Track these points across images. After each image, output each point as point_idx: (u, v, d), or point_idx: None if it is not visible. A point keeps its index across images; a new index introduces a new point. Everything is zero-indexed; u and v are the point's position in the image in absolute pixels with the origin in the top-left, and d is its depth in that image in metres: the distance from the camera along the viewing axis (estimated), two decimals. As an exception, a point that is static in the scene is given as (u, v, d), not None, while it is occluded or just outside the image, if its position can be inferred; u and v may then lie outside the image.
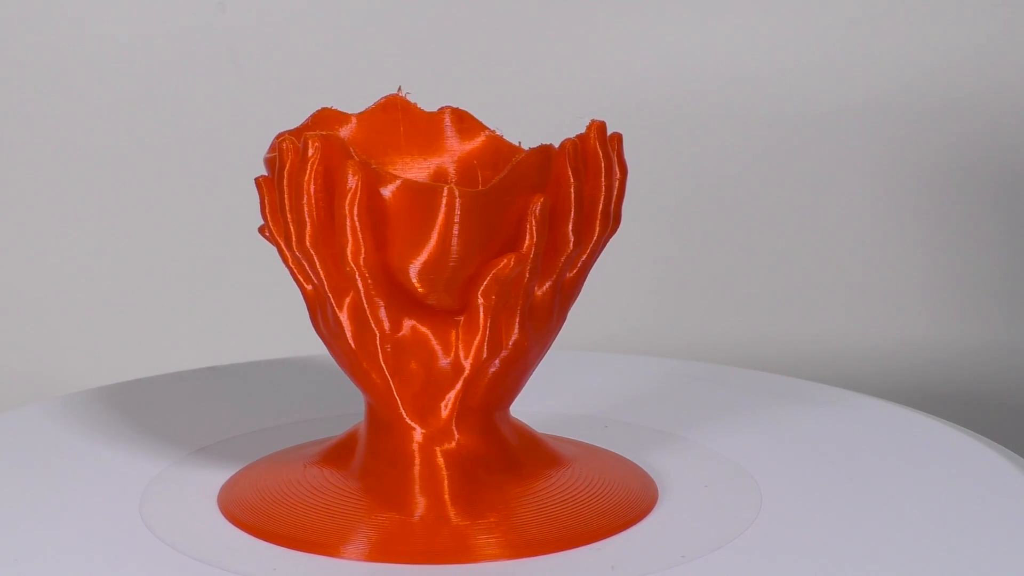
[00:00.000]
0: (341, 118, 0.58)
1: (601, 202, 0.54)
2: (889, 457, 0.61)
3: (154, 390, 0.71)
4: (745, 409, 0.67)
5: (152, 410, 0.67)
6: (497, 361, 0.54)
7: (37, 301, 1.10)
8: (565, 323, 0.56)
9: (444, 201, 0.51)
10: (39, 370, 1.08)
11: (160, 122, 1.10)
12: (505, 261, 0.52)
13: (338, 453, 0.57)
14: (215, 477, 0.58)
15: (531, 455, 0.56)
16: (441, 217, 0.51)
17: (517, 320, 0.53)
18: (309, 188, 0.53)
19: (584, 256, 0.55)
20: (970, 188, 1.11)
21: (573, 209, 0.53)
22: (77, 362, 1.08)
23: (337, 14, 1.11)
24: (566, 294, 0.55)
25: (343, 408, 0.67)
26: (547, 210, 0.52)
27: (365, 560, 0.51)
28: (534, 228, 0.52)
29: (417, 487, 0.53)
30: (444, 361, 0.53)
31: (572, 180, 0.53)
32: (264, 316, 1.09)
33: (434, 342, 0.54)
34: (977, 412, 1.05)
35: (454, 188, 0.51)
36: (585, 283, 0.56)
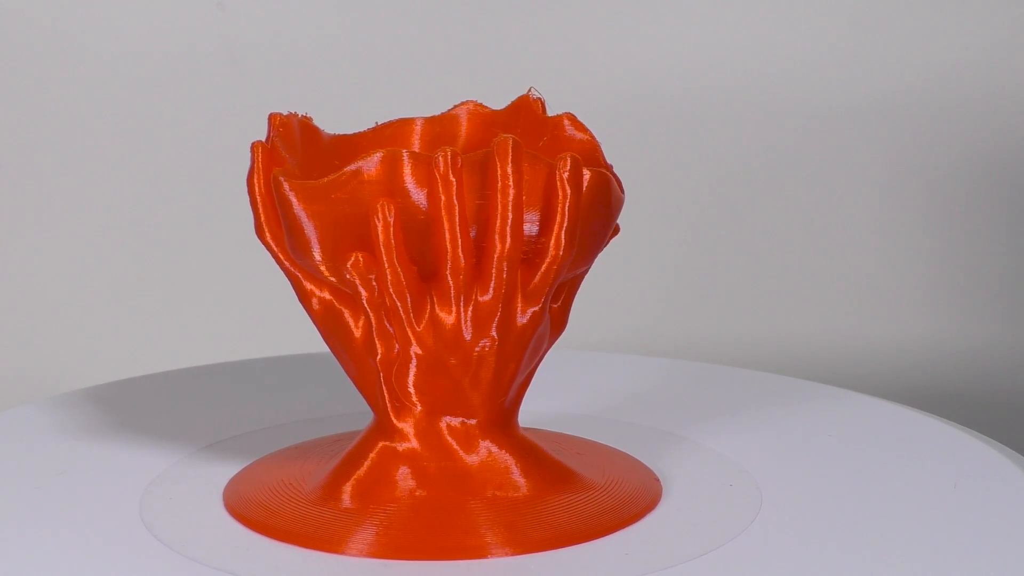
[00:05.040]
0: (481, 112, 0.58)
1: (500, 221, 0.52)
2: (889, 457, 0.61)
3: (153, 389, 0.71)
4: (745, 409, 0.67)
5: (151, 409, 0.67)
6: (412, 364, 0.54)
7: (36, 301, 1.10)
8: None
9: (284, 192, 0.52)
10: (38, 370, 1.08)
11: (159, 122, 1.10)
12: (354, 258, 0.52)
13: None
14: (217, 476, 0.58)
15: (517, 470, 0.55)
16: (290, 207, 0.52)
17: (409, 321, 0.53)
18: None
19: (496, 274, 0.53)
20: (972, 189, 1.11)
21: (445, 224, 0.52)
22: (76, 361, 1.08)
23: (337, 12, 1.11)
24: (481, 310, 0.53)
25: (347, 407, 0.67)
26: (385, 213, 0.51)
27: (365, 557, 0.51)
28: (378, 230, 0.52)
29: (350, 479, 0.54)
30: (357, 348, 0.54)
31: (439, 193, 0.52)
32: (267, 314, 1.09)
33: (350, 321, 0.54)
34: (977, 412, 1.05)
35: (281, 179, 0.52)
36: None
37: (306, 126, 0.57)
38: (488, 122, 0.59)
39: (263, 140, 0.55)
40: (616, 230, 0.56)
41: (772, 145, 1.11)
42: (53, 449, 0.62)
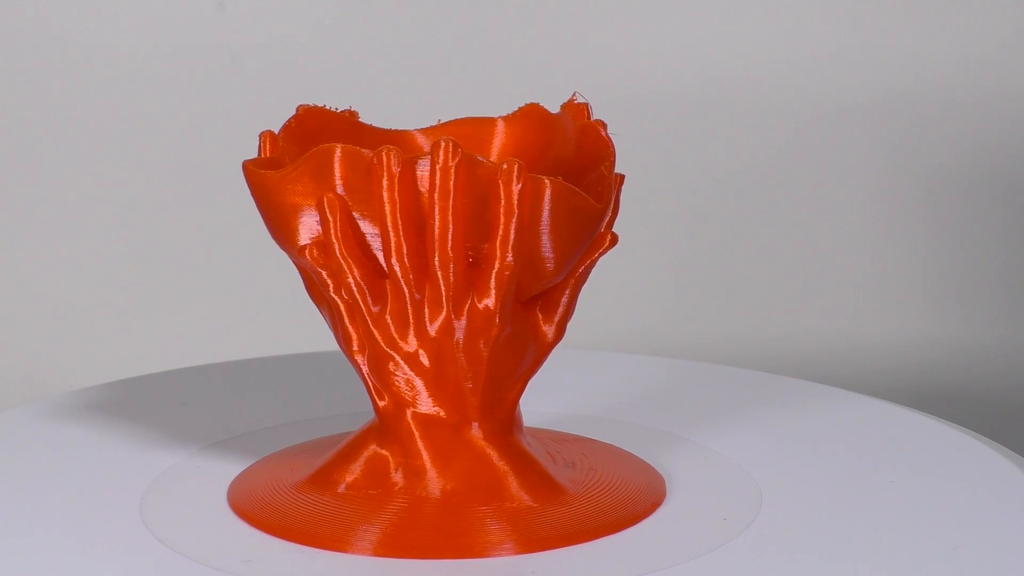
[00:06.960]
0: (541, 114, 0.58)
1: (440, 225, 0.52)
2: (889, 457, 0.61)
3: (153, 389, 0.71)
4: (745, 409, 0.67)
5: (151, 409, 0.67)
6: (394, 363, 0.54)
7: (36, 301, 1.10)
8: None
9: (253, 180, 0.53)
10: (38, 370, 1.08)
11: (159, 121, 1.10)
12: (308, 250, 0.53)
13: None
14: (217, 476, 0.58)
15: (505, 479, 0.55)
16: (259, 195, 0.53)
17: (370, 313, 0.53)
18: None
19: (443, 278, 0.52)
20: (972, 188, 1.11)
21: (388, 223, 0.52)
22: (76, 361, 1.08)
23: (337, 12, 1.11)
24: (433, 314, 0.53)
25: (349, 407, 0.67)
26: (330, 208, 0.52)
27: (371, 555, 0.51)
28: (328, 225, 0.52)
29: (343, 476, 0.54)
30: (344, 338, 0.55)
31: (382, 191, 0.52)
32: (267, 314, 1.09)
33: (343, 310, 0.54)
34: (977, 412, 1.05)
35: (251, 168, 0.52)
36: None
37: (345, 120, 0.57)
38: (543, 125, 0.58)
39: (273, 130, 0.55)
40: (613, 241, 0.55)
41: (772, 145, 1.11)
42: (53, 449, 0.62)
